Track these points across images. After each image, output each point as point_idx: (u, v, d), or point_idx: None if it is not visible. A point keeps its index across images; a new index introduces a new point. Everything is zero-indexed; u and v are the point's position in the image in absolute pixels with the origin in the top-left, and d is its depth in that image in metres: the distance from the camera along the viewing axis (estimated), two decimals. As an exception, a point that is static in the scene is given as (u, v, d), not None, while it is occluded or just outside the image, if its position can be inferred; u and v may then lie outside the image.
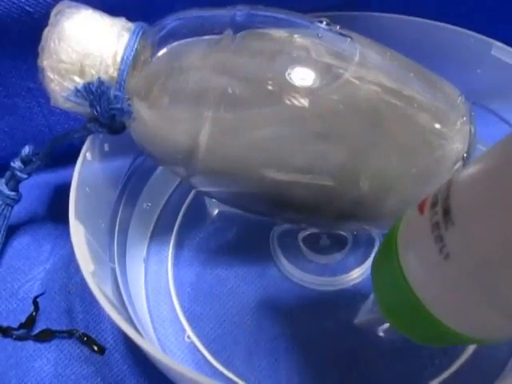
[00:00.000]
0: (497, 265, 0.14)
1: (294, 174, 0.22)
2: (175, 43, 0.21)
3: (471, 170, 0.15)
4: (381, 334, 0.22)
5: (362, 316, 0.23)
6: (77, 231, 0.20)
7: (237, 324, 0.25)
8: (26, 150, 0.25)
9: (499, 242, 0.14)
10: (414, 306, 0.17)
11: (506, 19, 0.29)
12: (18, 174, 0.25)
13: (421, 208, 0.17)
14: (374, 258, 0.20)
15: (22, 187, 0.26)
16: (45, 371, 0.24)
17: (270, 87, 0.20)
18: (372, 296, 0.21)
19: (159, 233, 0.28)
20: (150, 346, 0.18)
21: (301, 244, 0.27)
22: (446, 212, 0.15)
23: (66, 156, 0.24)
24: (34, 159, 0.25)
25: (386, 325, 0.21)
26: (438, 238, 0.15)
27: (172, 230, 0.28)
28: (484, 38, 0.26)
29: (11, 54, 0.27)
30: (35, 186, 0.31)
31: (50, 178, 0.31)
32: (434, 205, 0.16)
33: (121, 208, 0.26)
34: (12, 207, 0.27)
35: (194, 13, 0.22)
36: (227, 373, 0.23)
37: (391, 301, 0.19)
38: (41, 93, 0.22)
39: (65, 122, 0.31)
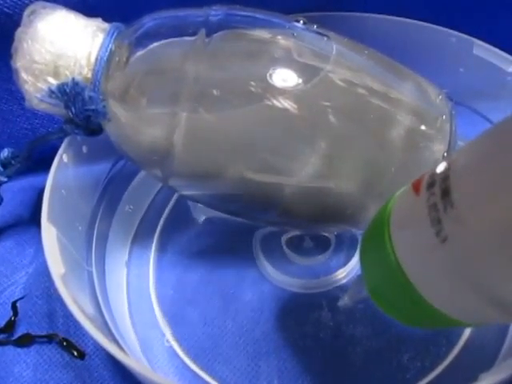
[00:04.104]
0: (498, 250, 0.13)
1: (272, 175, 0.21)
2: (151, 45, 0.21)
3: (474, 150, 0.14)
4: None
5: (349, 296, 0.22)
6: (48, 233, 0.20)
7: (218, 327, 0.24)
8: (5, 153, 0.24)
9: (504, 226, 0.13)
10: (405, 289, 0.16)
11: (486, 18, 0.29)
12: (-2, 177, 0.25)
13: (416, 187, 0.16)
14: (363, 236, 0.19)
15: (7, 191, 0.26)
16: (24, 376, 0.24)
17: (248, 87, 0.20)
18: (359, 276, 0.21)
19: (141, 236, 0.28)
20: (109, 343, 0.17)
21: (284, 246, 0.26)
22: (445, 193, 0.14)
23: (51, 160, 0.24)
24: (13, 162, 0.25)
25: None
26: (435, 220, 0.14)
27: (154, 234, 0.28)
28: (465, 36, 0.25)
29: (-9, 56, 0.27)
30: (20, 190, 0.31)
31: (35, 181, 0.31)
32: (431, 185, 0.15)
33: (100, 211, 0.25)
34: (-7, 210, 0.26)
35: (170, 13, 0.22)
36: (207, 377, 0.23)
37: (380, 282, 0.18)
38: (23, 95, 0.22)
39: (49, 124, 0.30)
